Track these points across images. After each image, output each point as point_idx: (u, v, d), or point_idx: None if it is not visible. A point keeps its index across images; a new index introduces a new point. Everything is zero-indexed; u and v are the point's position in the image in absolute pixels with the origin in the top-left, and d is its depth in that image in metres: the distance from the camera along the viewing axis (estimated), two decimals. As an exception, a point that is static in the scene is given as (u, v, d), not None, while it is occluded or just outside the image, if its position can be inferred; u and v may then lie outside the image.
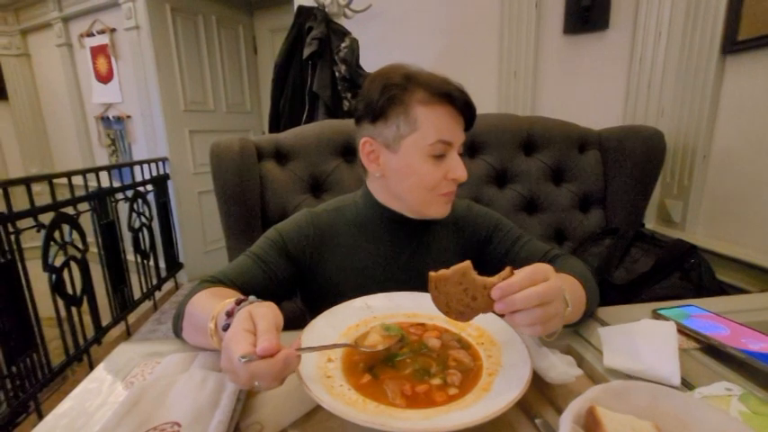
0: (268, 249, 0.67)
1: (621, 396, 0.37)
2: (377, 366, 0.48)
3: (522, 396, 0.39)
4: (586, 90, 1.57)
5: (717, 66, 1.24)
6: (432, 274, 0.44)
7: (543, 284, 0.42)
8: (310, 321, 0.54)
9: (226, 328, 0.43)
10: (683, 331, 0.58)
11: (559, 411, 0.36)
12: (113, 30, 2.90)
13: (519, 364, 0.45)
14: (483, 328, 0.54)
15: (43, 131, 3.70)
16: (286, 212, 1.19)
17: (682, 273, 1.08)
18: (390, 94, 0.62)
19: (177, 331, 0.59)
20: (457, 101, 0.62)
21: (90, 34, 3.02)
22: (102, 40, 2.97)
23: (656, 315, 0.63)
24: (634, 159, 1.28)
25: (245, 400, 0.46)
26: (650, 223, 1.45)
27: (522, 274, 0.42)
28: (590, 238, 1.28)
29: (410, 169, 0.64)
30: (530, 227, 1.31)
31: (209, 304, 0.50)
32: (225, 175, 1.11)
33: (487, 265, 0.75)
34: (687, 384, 0.48)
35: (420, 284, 0.54)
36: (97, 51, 3.03)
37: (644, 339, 0.51)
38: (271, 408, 0.46)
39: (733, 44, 1.21)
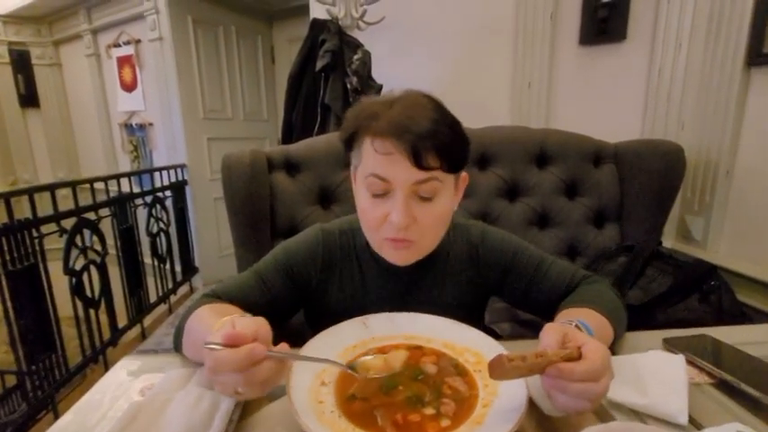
0: (272, 270, 0.66)
1: (620, 438, 0.35)
2: (370, 391, 0.47)
3: (515, 430, 0.38)
4: (603, 103, 1.53)
5: (741, 78, 1.20)
6: (505, 361, 0.39)
7: (603, 383, 0.39)
8: (308, 341, 0.54)
9: None
10: (694, 363, 0.55)
11: (555, 449, 0.34)
12: (138, 41, 3.02)
13: (515, 396, 0.43)
14: (482, 354, 0.53)
15: (71, 137, 3.86)
16: (295, 223, 1.20)
17: (701, 295, 1.04)
18: (353, 125, 0.59)
19: (177, 346, 0.60)
20: (403, 136, 0.54)
21: (116, 45, 3.15)
22: (128, 50, 3.09)
23: (668, 345, 0.61)
24: (652, 174, 1.24)
25: (237, 422, 0.46)
26: (669, 240, 1.40)
27: (588, 366, 0.39)
28: (604, 255, 1.24)
29: (358, 204, 0.62)
30: (541, 242, 1.28)
31: (209, 321, 0.51)
32: (235, 187, 1.13)
33: (508, 296, 0.73)
34: (695, 423, 0.45)
35: None
36: (123, 61, 3.16)
37: (651, 372, 0.49)
38: (262, 431, 0.46)
39: (758, 56, 1.17)
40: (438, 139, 0.55)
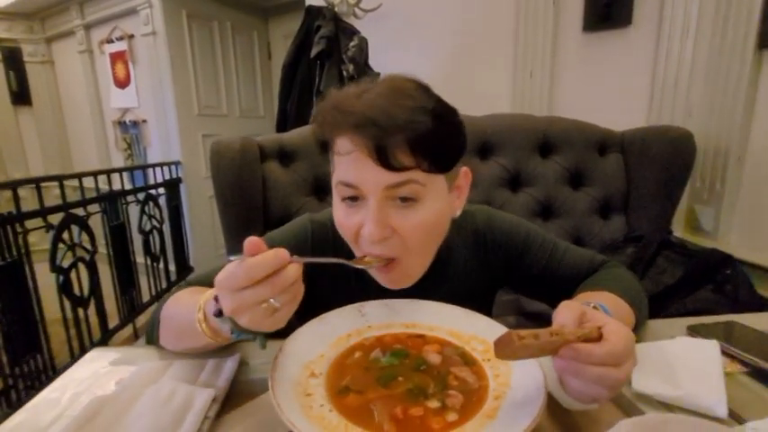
0: None
1: (658, 433, 0.30)
2: (366, 383, 0.42)
3: (534, 427, 0.33)
4: (607, 90, 1.49)
5: (752, 61, 1.15)
6: (515, 339, 0.34)
7: (624, 368, 0.35)
8: (297, 329, 0.49)
9: (217, 313, 0.38)
10: (726, 351, 0.49)
11: (580, 447, 0.29)
12: (131, 36, 2.96)
13: (531, 387, 0.38)
14: (491, 341, 0.47)
15: (64, 135, 3.79)
16: (289, 214, 1.15)
17: (714, 285, 0.99)
18: (319, 122, 0.51)
19: (151, 339, 0.54)
20: (364, 130, 0.45)
21: (109, 41, 3.09)
22: (121, 46, 3.03)
23: (693, 332, 0.55)
24: (660, 162, 1.19)
25: (215, 419, 0.40)
26: (677, 231, 1.35)
27: (609, 348, 0.34)
28: (611, 247, 1.19)
29: (334, 215, 0.55)
30: (546, 233, 1.23)
31: (192, 300, 0.45)
32: (225, 176, 1.08)
33: (519, 285, 0.68)
34: (734, 416, 0.40)
35: None
36: (116, 57, 3.10)
37: (681, 360, 0.44)
38: (245, 428, 0.40)
39: (770, 38, 1.13)
40: (412, 132, 0.45)
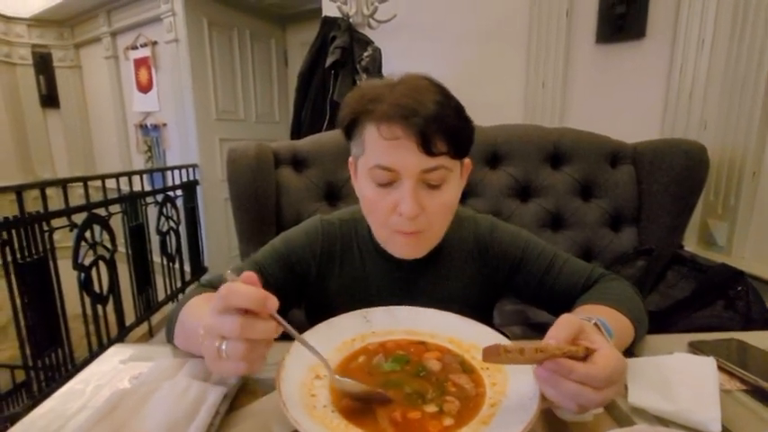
0: (271, 260, 0.64)
1: (645, 444, 0.31)
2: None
3: (525, 434, 0.34)
4: (620, 102, 1.48)
5: (768, 75, 1.14)
6: (501, 351, 0.36)
7: (603, 394, 0.36)
8: (304, 332, 0.51)
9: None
10: (725, 368, 0.50)
11: (570, 456, 0.31)
12: (155, 43, 3.08)
13: (526, 396, 0.39)
14: (490, 350, 0.49)
15: (88, 137, 3.95)
16: (300, 219, 1.17)
17: (726, 301, 0.97)
18: (353, 110, 0.56)
19: (170, 337, 0.57)
20: (410, 119, 0.51)
21: (134, 47, 3.21)
22: (145, 52, 3.15)
23: (694, 348, 0.56)
24: (672, 175, 1.19)
25: (225, 415, 0.43)
26: (690, 246, 1.33)
27: (592, 371, 0.35)
28: (621, 259, 1.18)
29: (362, 196, 0.59)
30: (554, 245, 1.23)
31: (201, 310, 0.48)
32: (240, 181, 1.12)
33: (518, 292, 0.70)
34: (729, 433, 0.41)
35: None
36: (140, 63, 3.22)
37: (678, 376, 0.45)
38: (251, 425, 0.43)
39: (788, 51, 1.11)
40: (445, 123, 0.52)
